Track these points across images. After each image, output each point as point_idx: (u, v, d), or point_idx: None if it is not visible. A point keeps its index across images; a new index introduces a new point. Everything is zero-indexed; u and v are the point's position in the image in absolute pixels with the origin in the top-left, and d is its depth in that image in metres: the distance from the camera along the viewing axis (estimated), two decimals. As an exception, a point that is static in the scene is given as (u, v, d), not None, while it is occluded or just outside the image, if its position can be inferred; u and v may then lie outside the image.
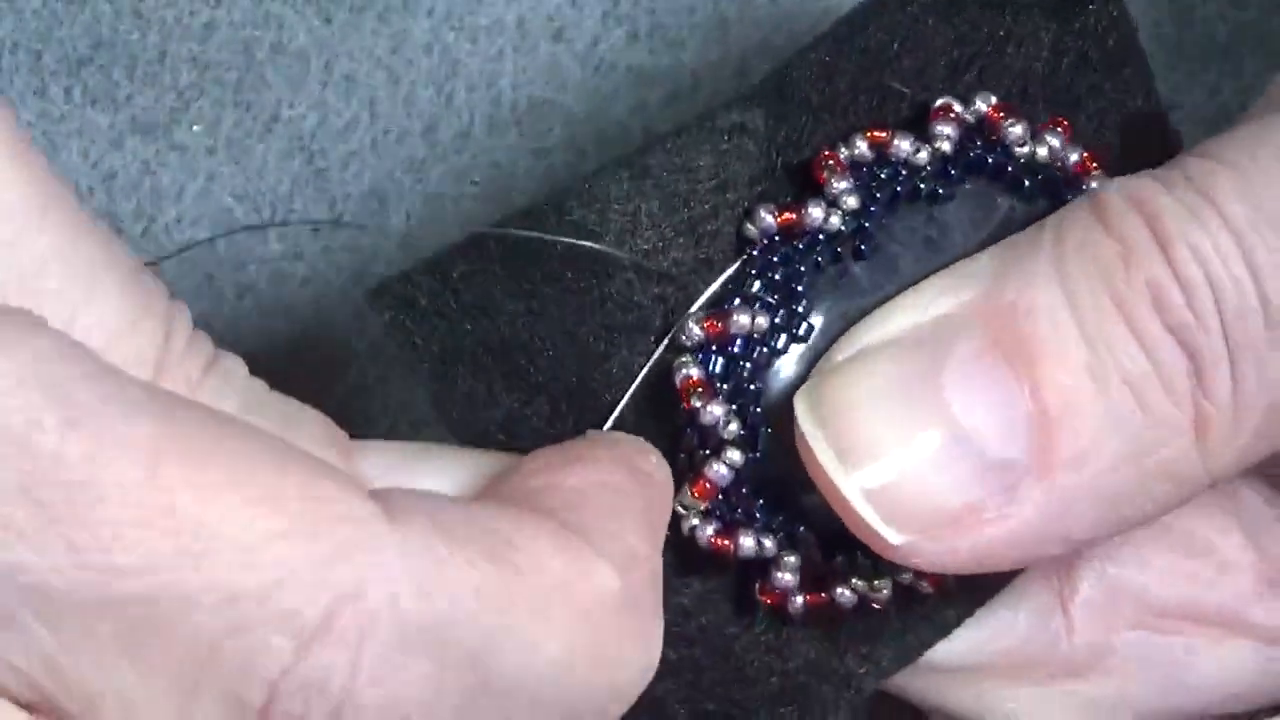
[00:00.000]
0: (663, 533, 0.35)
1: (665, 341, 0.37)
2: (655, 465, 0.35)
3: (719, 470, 0.37)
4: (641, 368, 0.37)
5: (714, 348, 0.37)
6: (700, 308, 0.37)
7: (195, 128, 0.55)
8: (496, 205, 0.55)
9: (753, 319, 0.37)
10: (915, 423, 0.36)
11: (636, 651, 0.33)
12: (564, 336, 0.36)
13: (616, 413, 0.37)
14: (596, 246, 0.36)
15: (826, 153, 0.38)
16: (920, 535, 0.37)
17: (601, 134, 0.55)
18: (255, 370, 0.35)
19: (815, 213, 0.37)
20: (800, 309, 0.37)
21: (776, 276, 0.37)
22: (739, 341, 0.37)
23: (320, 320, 0.54)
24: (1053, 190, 0.39)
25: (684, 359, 0.37)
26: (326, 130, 0.55)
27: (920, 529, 0.37)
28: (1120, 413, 0.36)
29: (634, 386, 0.37)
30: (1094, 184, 0.40)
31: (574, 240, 0.36)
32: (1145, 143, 0.42)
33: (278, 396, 0.35)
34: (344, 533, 0.29)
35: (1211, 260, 0.35)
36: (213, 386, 0.33)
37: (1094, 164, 0.40)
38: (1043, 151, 0.39)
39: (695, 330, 0.36)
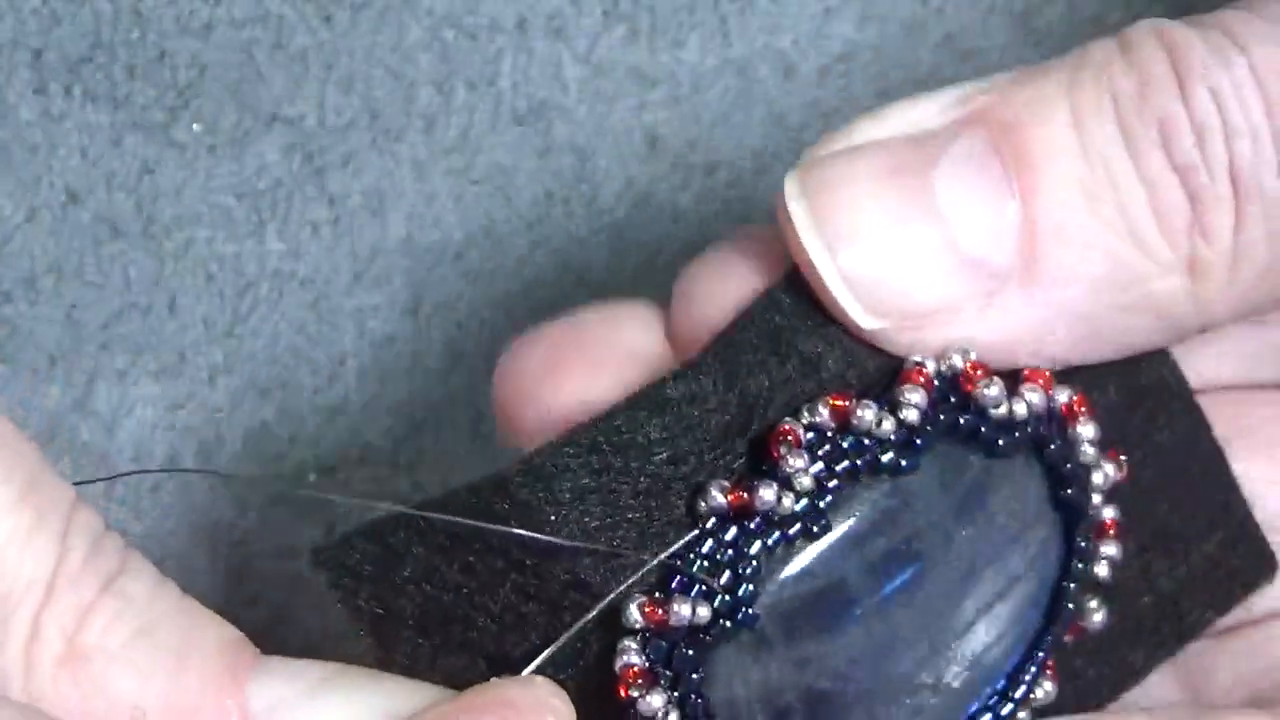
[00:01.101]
0: None
1: (585, 619, 0.35)
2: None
3: None
4: (591, 645, 0.36)
5: (655, 632, 0.35)
6: (644, 586, 0.35)
7: (195, 126, 0.55)
8: (496, 205, 0.55)
9: (693, 609, 0.35)
10: (902, 211, 0.36)
11: None
12: (507, 610, 0.36)
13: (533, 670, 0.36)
14: (538, 536, 0.35)
15: (784, 427, 0.36)
16: (894, 323, 0.36)
17: (601, 134, 0.55)
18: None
19: (767, 495, 0.35)
20: (745, 596, 0.35)
21: (722, 559, 0.35)
22: (679, 629, 0.35)
23: (320, 320, 0.54)
24: (1036, 440, 0.38)
25: (625, 643, 0.35)
26: (326, 130, 0.55)
27: (895, 318, 0.36)
28: (1111, 239, 0.36)
29: (547, 653, 0.35)
30: (1085, 428, 0.38)
31: (516, 530, 0.35)
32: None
33: (183, 609, 0.35)
34: None
35: (1230, 103, 0.35)
36: (110, 608, 0.33)
37: (1082, 407, 0.38)
38: (1020, 409, 0.37)
39: (635, 614, 0.35)
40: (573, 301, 0.55)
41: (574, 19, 0.55)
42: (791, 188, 0.36)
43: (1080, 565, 0.39)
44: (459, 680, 0.35)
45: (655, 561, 0.35)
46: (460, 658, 0.36)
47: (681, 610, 0.35)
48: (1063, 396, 0.38)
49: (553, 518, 0.35)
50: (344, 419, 0.54)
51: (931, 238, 0.36)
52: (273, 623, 0.54)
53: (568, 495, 0.35)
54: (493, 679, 0.35)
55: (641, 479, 0.36)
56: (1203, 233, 0.36)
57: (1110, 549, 0.40)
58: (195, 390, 0.54)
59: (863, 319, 0.36)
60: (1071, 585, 0.39)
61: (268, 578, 0.54)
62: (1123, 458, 0.39)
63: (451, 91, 0.55)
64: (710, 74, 0.55)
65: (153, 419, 0.53)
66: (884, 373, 0.37)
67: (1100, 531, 0.40)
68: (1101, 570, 0.40)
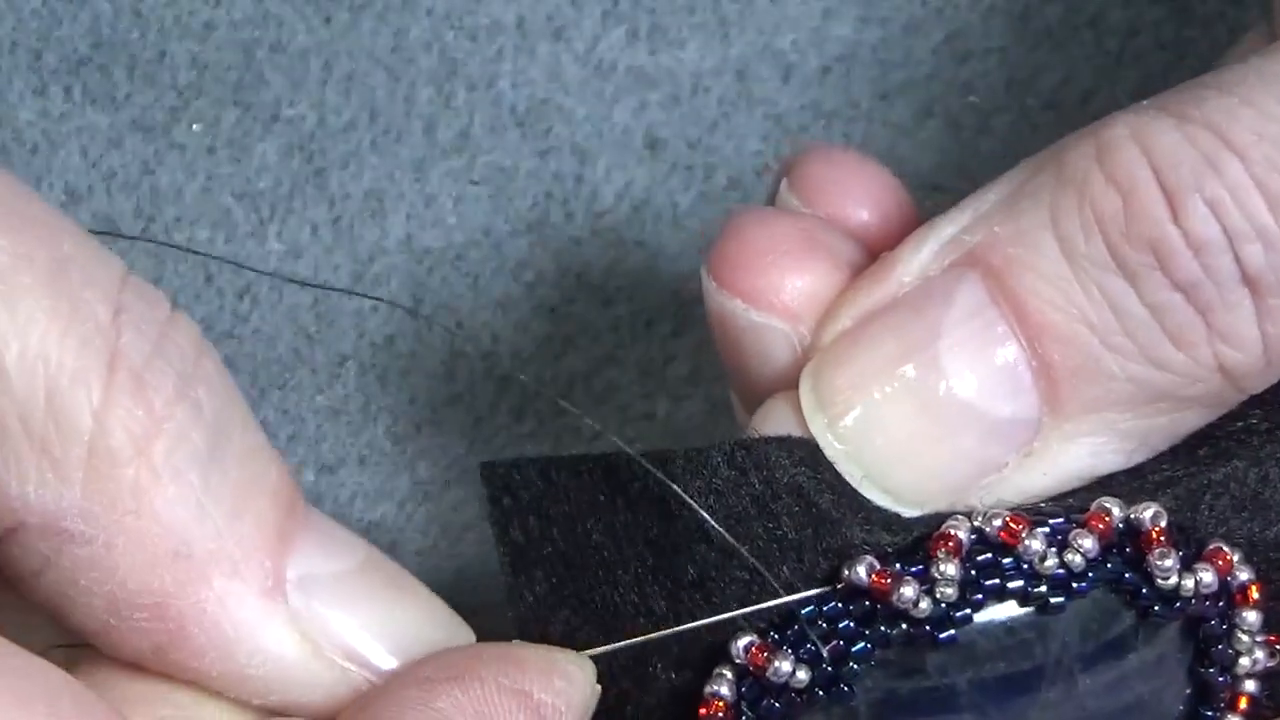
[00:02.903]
0: None
1: (693, 625, 0.36)
2: (559, 690, 0.34)
3: None
4: (695, 641, 0.36)
5: (752, 675, 0.35)
6: (758, 620, 0.35)
7: (195, 127, 0.55)
8: (496, 205, 0.55)
9: (794, 670, 0.35)
10: (919, 402, 0.35)
11: None
12: (635, 585, 0.36)
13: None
14: (710, 520, 0.35)
15: (948, 531, 0.35)
16: (944, 504, 0.36)
17: (602, 134, 0.55)
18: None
19: (906, 593, 0.35)
20: (847, 673, 0.35)
21: (841, 628, 0.35)
22: (774, 683, 0.35)
23: (320, 320, 0.54)
24: (1196, 616, 0.37)
25: (723, 671, 0.36)
26: (326, 130, 0.55)
27: (943, 501, 0.36)
28: (1131, 366, 0.35)
29: (638, 640, 0.36)
30: (1249, 614, 0.37)
31: (703, 513, 0.35)
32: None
33: (248, 431, 0.33)
34: None
35: (1231, 211, 0.34)
36: (182, 418, 0.32)
37: (1256, 592, 0.37)
38: (1189, 585, 0.36)
39: (739, 650, 0.35)
40: (573, 302, 0.55)
41: (574, 19, 0.55)
42: (807, 400, 0.36)
43: None
44: (572, 634, 0.36)
45: (781, 602, 0.35)
46: (579, 613, 0.36)
47: (782, 666, 0.35)
48: (1243, 575, 0.37)
49: (702, 512, 0.35)
50: (344, 419, 0.54)
51: (955, 418, 0.35)
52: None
53: (718, 502, 0.35)
54: (515, 641, 0.35)
55: (790, 521, 0.35)
56: (1224, 339, 0.35)
57: None
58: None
59: (910, 511, 0.36)
60: None
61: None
62: (1278, 648, 0.38)
63: (451, 92, 0.55)
64: (710, 74, 0.55)
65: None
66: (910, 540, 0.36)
67: (1231, 705, 0.38)
68: None
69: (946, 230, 0.37)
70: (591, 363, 0.55)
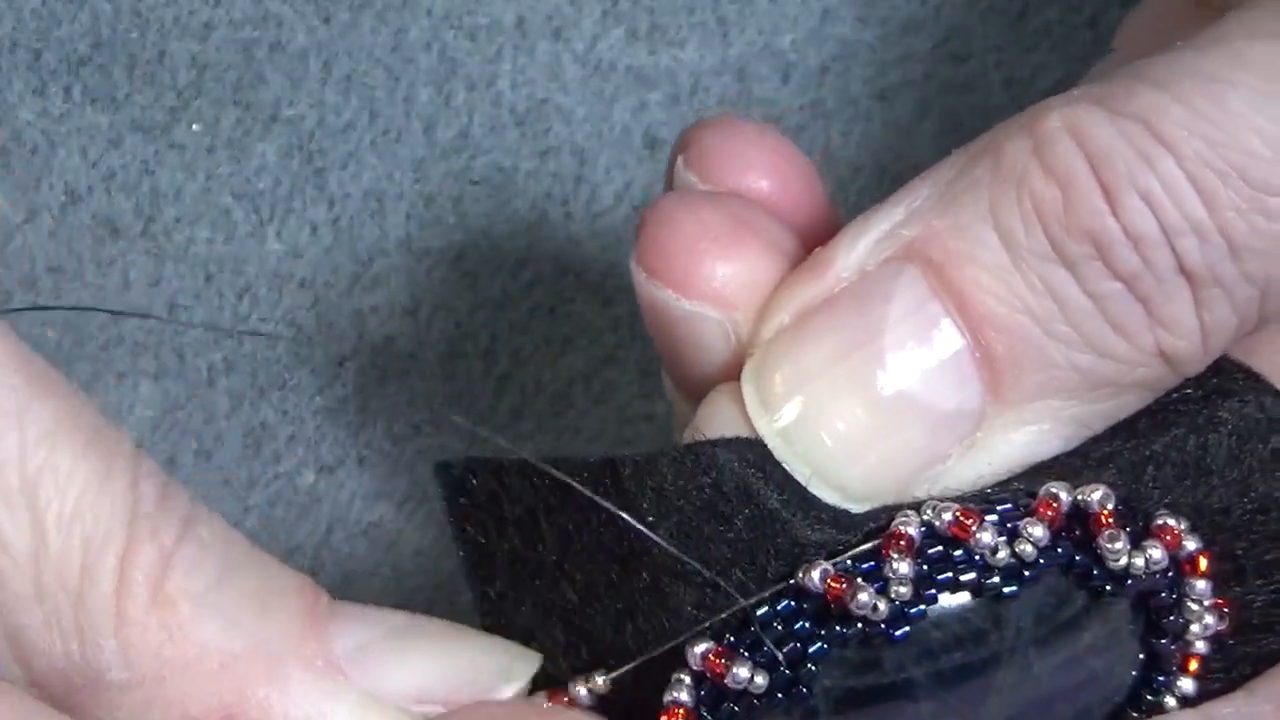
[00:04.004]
0: None
1: (653, 651, 0.36)
2: None
3: None
4: (652, 639, 0.36)
5: (710, 681, 0.36)
6: (712, 625, 0.35)
7: (194, 127, 0.55)
8: (496, 205, 0.55)
9: (752, 676, 0.35)
10: (863, 398, 0.35)
11: None
12: (591, 588, 0.36)
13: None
14: (657, 539, 0.35)
15: (900, 530, 0.35)
16: (891, 498, 0.36)
17: (601, 134, 0.55)
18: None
19: (863, 598, 0.35)
20: (804, 675, 0.35)
21: (797, 630, 0.35)
22: (733, 689, 0.35)
23: (320, 321, 0.54)
24: (1147, 590, 0.37)
25: (681, 677, 0.36)
26: (325, 130, 0.55)
27: (889, 495, 0.36)
28: (1072, 354, 0.35)
29: (616, 673, 0.36)
30: (1200, 583, 0.37)
31: (636, 524, 0.35)
32: None
33: (255, 555, 0.35)
34: None
35: (1166, 205, 0.34)
36: (190, 554, 0.34)
37: (1205, 562, 0.37)
38: (1140, 563, 0.36)
39: (697, 658, 0.35)
40: (572, 302, 0.55)
41: (573, 19, 0.55)
42: (751, 400, 0.36)
43: (1150, 698, 0.39)
44: (538, 634, 0.36)
45: (737, 609, 0.35)
46: (538, 614, 0.36)
47: (740, 673, 0.35)
48: (1191, 545, 0.37)
49: (650, 518, 0.35)
50: (344, 419, 0.54)
51: (901, 413, 0.35)
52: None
53: (674, 503, 0.35)
54: (519, 698, 0.35)
55: (741, 523, 0.35)
56: (1165, 327, 0.35)
57: (1186, 685, 0.39)
58: (195, 391, 0.54)
59: (858, 507, 0.36)
60: (1132, 714, 0.39)
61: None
62: (1225, 610, 0.38)
63: (451, 91, 0.55)
64: (710, 74, 0.55)
65: (153, 419, 0.53)
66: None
67: (1182, 667, 0.39)
68: (1169, 702, 0.39)
69: (882, 224, 0.36)
70: (591, 363, 0.55)
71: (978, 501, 0.36)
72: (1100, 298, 0.35)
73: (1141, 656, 0.39)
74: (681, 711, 0.35)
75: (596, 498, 0.35)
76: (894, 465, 0.36)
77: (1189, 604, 0.38)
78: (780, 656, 0.35)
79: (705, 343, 0.38)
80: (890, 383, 0.35)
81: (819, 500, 0.36)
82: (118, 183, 0.54)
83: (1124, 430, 0.37)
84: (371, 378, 0.54)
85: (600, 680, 0.36)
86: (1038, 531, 0.35)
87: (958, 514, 0.35)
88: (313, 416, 0.54)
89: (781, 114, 0.56)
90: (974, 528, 0.35)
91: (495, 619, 0.37)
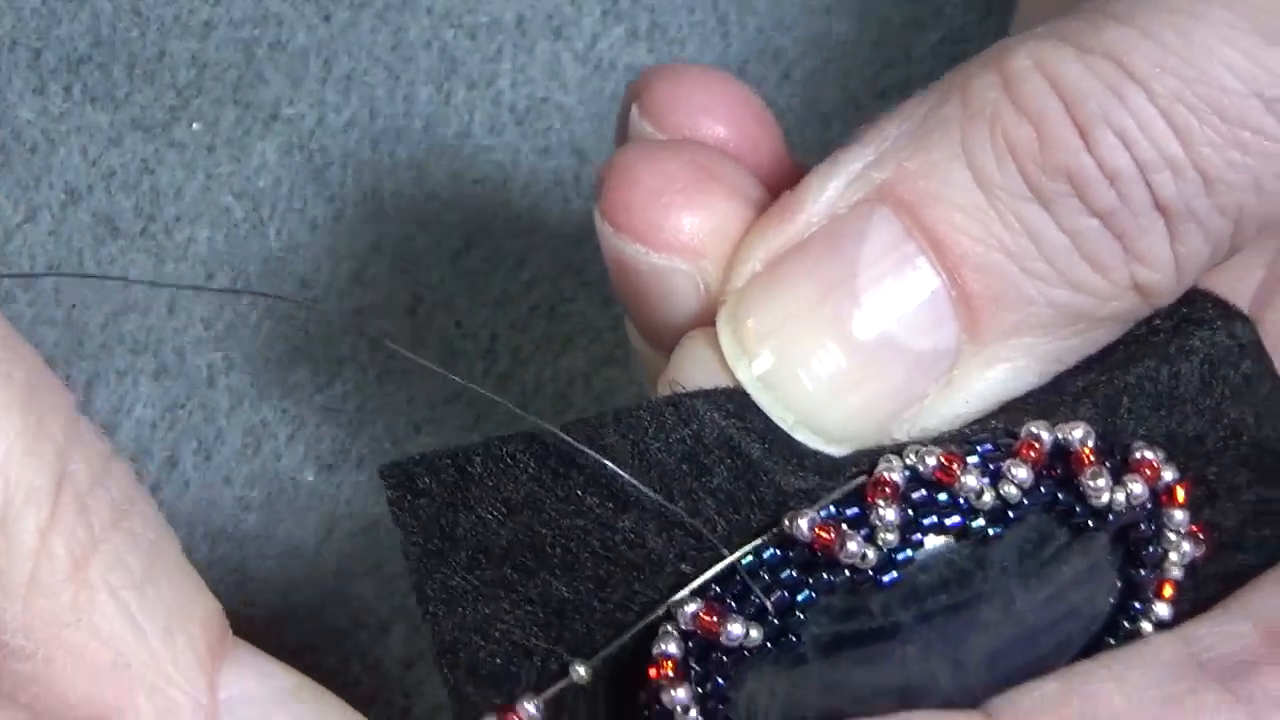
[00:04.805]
0: None
1: (642, 622, 0.35)
2: None
3: None
4: (637, 609, 0.36)
5: (700, 636, 0.35)
6: (706, 583, 0.35)
7: (194, 126, 0.55)
8: (496, 205, 0.55)
9: (746, 630, 0.35)
10: (839, 340, 0.35)
11: None
12: (566, 557, 0.36)
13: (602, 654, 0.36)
14: (635, 482, 0.35)
15: (884, 476, 0.35)
16: (870, 439, 0.36)
17: (601, 134, 0.55)
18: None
19: (852, 547, 0.35)
20: (794, 623, 0.35)
21: (785, 579, 0.35)
22: (726, 645, 0.35)
23: (319, 320, 0.54)
24: (1126, 524, 0.37)
25: (668, 629, 0.35)
26: (326, 128, 0.55)
27: (870, 436, 0.36)
28: (1049, 290, 0.35)
29: (625, 636, 0.36)
30: (1177, 513, 0.37)
31: (612, 465, 0.35)
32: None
33: (181, 567, 0.35)
34: None
35: (1140, 141, 0.34)
36: (119, 545, 0.33)
37: (1183, 492, 0.37)
38: (1121, 499, 0.36)
39: (688, 617, 0.35)
40: (572, 301, 0.55)
41: (573, 18, 0.55)
42: (729, 347, 0.36)
43: (1127, 625, 0.39)
44: (496, 621, 0.35)
45: (727, 562, 0.35)
46: (506, 599, 0.36)
47: (734, 630, 0.35)
48: (1168, 476, 0.37)
49: (631, 474, 0.35)
50: (344, 419, 0.54)
51: (879, 355, 0.35)
52: (272, 622, 0.54)
53: (656, 457, 0.35)
54: None
55: (723, 473, 0.35)
56: (1140, 259, 0.35)
57: (1162, 610, 0.39)
58: (195, 390, 0.54)
59: (839, 451, 0.36)
60: (1110, 641, 0.39)
61: (268, 578, 0.54)
62: (1201, 536, 0.39)
63: (451, 90, 0.55)
64: (710, 73, 0.55)
65: (152, 419, 0.53)
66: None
67: (1157, 593, 0.39)
68: (1145, 628, 0.39)
69: (851, 165, 0.36)
70: (591, 362, 0.55)
71: (958, 443, 0.36)
72: (1077, 234, 0.35)
73: (1119, 586, 0.39)
74: (670, 663, 0.35)
75: (587, 449, 0.35)
76: (874, 406, 0.36)
77: (1168, 534, 0.38)
78: (769, 606, 0.35)
79: (675, 294, 0.37)
80: (867, 324, 0.35)
81: (801, 447, 0.36)
82: (118, 181, 0.54)
83: (1096, 363, 0.37)
84: (370, 377, 0.54)
85: (581, 670, 0.35)
86: (1021, 473, 0.35)
87: (941, 458, 0.35)
88: (312, 416, 0.54)
89: (781, 114, 0.56)
90: (959, 471, 0.35)
91: (446, 617, 0.36)
